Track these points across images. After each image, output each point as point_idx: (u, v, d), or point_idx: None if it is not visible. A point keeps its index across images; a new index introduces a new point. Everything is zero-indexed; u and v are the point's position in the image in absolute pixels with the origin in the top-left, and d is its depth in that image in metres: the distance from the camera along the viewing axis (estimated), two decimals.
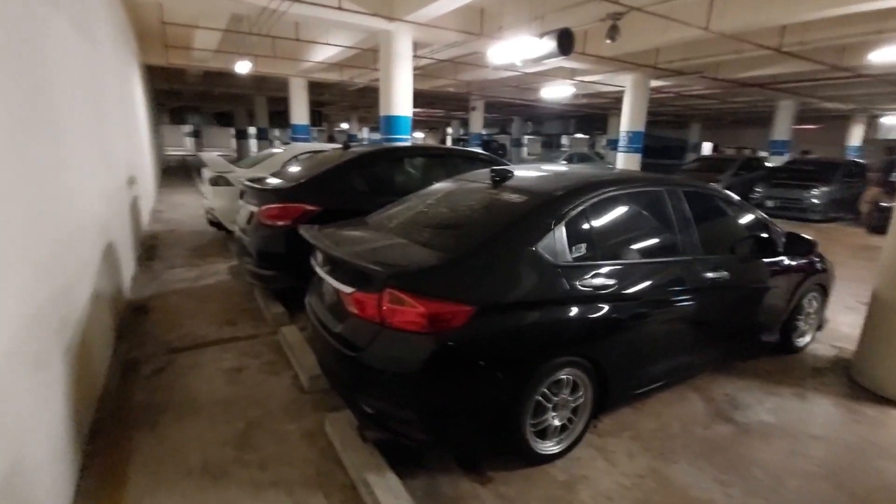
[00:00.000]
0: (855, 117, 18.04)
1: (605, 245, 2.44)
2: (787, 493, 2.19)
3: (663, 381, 2.76)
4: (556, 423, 2.31)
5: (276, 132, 33.84)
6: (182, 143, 38.12)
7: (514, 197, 2.50)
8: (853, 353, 3.54)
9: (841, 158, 11.46)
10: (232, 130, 28.66)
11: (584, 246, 2.35)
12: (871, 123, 18.86)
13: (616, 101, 16.93)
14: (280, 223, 3.97)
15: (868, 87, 12.39)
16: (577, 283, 2.24)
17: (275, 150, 6.95)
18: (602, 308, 2.30)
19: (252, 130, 25.40)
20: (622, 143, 12.62)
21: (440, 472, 2.23)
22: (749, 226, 3.20)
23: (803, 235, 3.14)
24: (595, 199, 2.46)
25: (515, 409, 2.11)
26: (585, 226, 2.39)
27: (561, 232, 2.29)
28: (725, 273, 2.84)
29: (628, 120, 12.07)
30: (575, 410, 2.37)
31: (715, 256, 2.88)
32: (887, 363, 3.04)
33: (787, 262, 3.27)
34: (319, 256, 2.51)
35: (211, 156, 6.55)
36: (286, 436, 2.47)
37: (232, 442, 2.41)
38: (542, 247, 2.21)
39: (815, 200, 9.07)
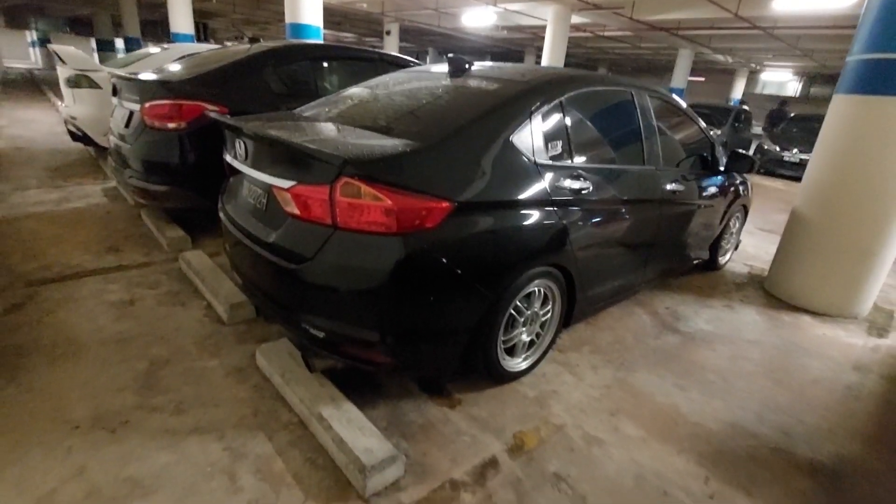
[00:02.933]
0: (739, 71, 19.78)
1: (580, 145, 2.19)
2: (739, 392, 2.26)
3: (620, 294, 2.70)
4: (525, 338, 2.13)
5: (151, 47, 28.78)
6: (26, 56, 31.15)
7: (485, 84, 2.12)
8: (766, 269, 3.84)
9: (732, 105, 12.50)
10: (92, 42, 23.70)
11: (559, 144, 2.08)
12: (752, 78, 20.89)
13: (534, 36, 16.69)
14: (172, 125, 3.19)
15: (755, 42, 13.45)
16: (555, 184, 1.98)
17: (152, 50, 5.67)
18: (576, 213, 2.09)
19: (119, 43, 21.20)
20: None
21: (403, 398, 1.95)
22: (699, 140, 3.17)
23: (746, 153, 3.19)
24: (572, 94, 2.17)
25: (490, 324, 1.86)
26: (562, 122, 2.11)
27: (539, 125, 1.98)
28: (680, 187, 2.79)
29: (549, 57, 11.91)
30: (542, 325, 2.20)
31: (673, 169, 2.81)
32: (799, 276, 3.30)
33: (726, 180, 3.34)
34: (239, 147, 1.94)
35: (68, 49, 5.15)
36: (206, 374, 2.01)
37: (131, 387, 1.89)
38: (520, 140, 1.90)
39: None
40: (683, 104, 3.09)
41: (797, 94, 20.84)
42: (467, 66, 2.41)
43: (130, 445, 1.60)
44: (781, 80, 20.84)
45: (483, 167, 1.75)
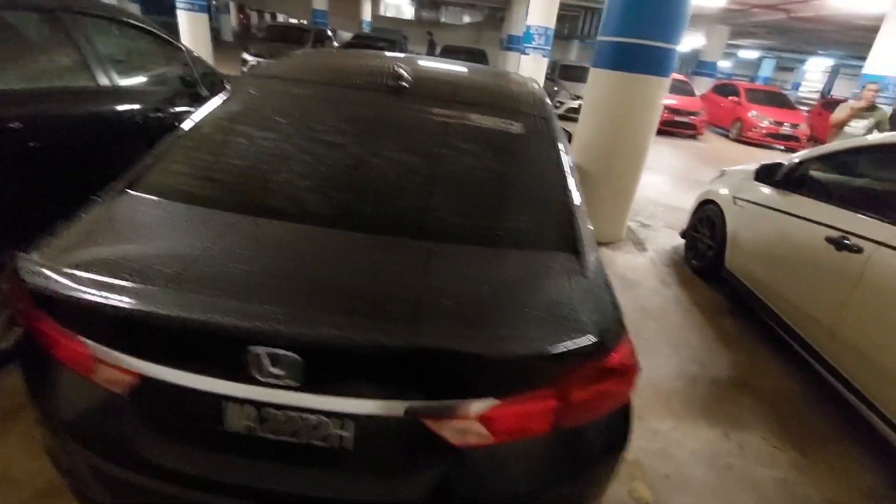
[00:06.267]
0: None
1: None
2: (656, 342, 2.86)
3: None
4: None
5: None
6: None
7: (505, 124, 1.58)
8: None
9: (392, 35, 13.30)
10: None
11: None
12: (376, 1, 22.41)
13: None
14: None
15: None
16: None
17: None
18: None
19: None
20: None
21: None
22: None
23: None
24: None
25: None
26: None
27: None
28: None
29: None
30: None
31: None
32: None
33: None
34: (264, 359, 0.88)
35: None
36: None
37: None
38: None
39: None
40: None
41: (413, 18, 23.97)
42: (405, 76, 1.68)
43: None
44: (398, 3, 23.35)
45: None
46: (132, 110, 2.53)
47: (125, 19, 2.69)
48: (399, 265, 1.11)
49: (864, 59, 8.78)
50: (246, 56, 10.58)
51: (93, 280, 0.90)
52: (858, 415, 2.11)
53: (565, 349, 0.92)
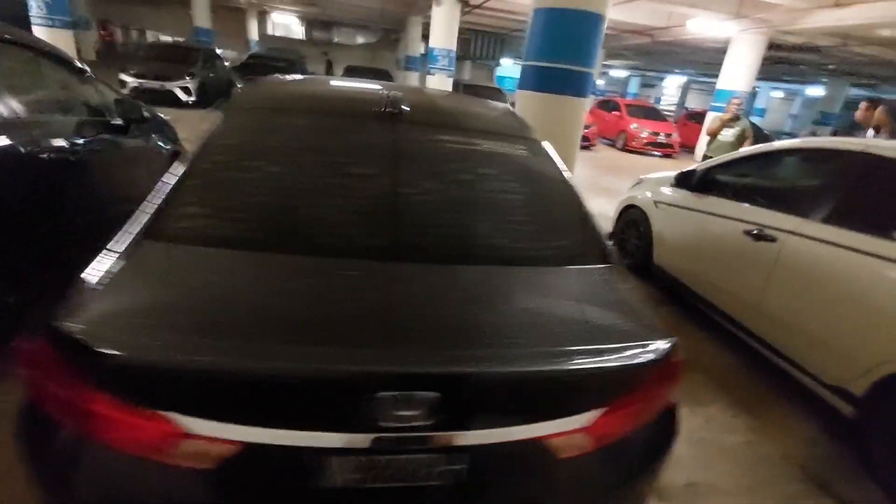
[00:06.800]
0: (249, 12, 19.88)
1: None
2: None
3: None
4: None
5: None
6: None
7: (517, 148, 1.69)
8: None
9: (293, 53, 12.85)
10: None
11: None
12: (261, 20, 21.51)
13: None
14: None
15: None
16: None
17: None
18: None
19: None
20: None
21: None
22: None
23: None
24: None
25: None
26: None
27: None
28: None
29: None
30: None
31: None
32: None
33: None
34: (401, 403, 0.86)
35: None
36: None
37: None
38: None
39: None
40: None
41: (304, 38, 23.41)
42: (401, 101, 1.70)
43: None
44: (287, 22, 22.67)
45: None
46: (27, 143, 2.14)
47: (9, 36, 2.30)
48: (475, 292, 1.14)
49: (712, 75, 10.42)
50: (124, 77, 9.57)
51: (187, 344, 0.80)
52: (788, 376, 2.52)
53: (661, 352, 1.02)
